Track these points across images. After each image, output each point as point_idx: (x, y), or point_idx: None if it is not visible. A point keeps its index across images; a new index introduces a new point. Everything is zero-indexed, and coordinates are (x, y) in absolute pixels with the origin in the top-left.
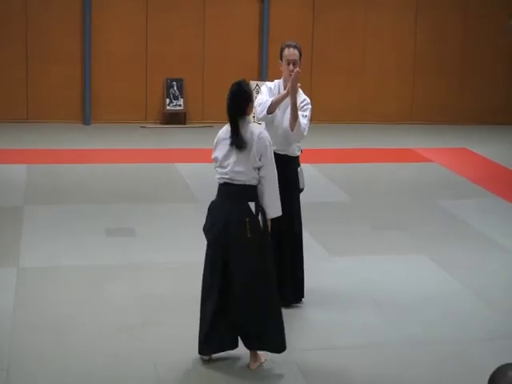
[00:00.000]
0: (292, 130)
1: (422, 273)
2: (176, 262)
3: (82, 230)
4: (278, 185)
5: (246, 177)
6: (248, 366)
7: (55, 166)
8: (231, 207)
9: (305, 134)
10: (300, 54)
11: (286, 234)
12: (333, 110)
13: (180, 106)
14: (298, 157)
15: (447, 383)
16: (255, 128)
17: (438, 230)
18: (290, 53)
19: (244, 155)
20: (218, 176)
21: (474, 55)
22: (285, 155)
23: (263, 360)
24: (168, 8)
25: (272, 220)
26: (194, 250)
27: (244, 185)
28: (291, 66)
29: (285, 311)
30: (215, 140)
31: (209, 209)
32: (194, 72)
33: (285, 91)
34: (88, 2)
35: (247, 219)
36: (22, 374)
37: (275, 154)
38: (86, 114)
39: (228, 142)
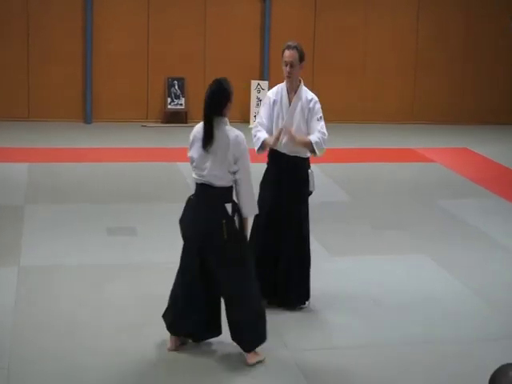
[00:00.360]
0: (319, 153)
1: (422, 273)
2: (177, 262)
3: (82, 229)
4: (252, 185)
5: (222, 181)
6: (246, 362)
7: (56, 165)
8: (208, 209)
9: (326, 135)
10: (300, 56)
11: (294, 237)
12: (334, 109)
13: (181, 105)
14: (308, 158)
15: (448, 383)
16: (231, 131)
17: (438, 229)
18: (287, 54)
19: (219, 159)
20: (195, 176)
21: (476, 55)
22: (296, 157)
23: (262, 357)
24: (169, 7)
25: (281, 222)
26: None
27: (221, 187)
28: (288, 68)
29: (285, 311)
30: (191, 137)
31: (186, 205)
32: (195, 71)
33: (272, 142)
34: (89, 1)
35: (224, 221)
36: (22, 373)
37: (285, 156)
38: (86, 113)
39: (201, 141)
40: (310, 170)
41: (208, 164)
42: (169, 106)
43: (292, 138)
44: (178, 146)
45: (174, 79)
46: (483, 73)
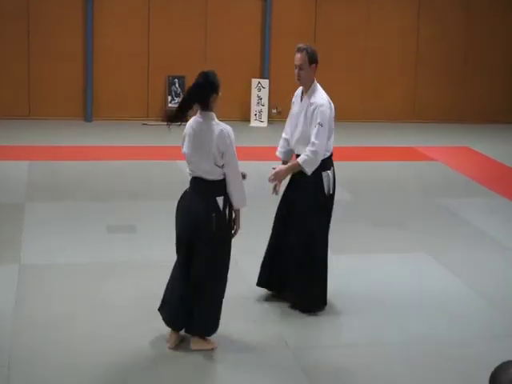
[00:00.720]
0: (308, 171)
1: (424, 271)
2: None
3: (83, 227)
4: (241, 178)
5: (211, 175)
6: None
7: (57, 163)
8: (199, 202)
9: (316, 145)
10: (310, 58)
11: (300, 239)
12: (335, 107)
13: None
14: (322, 160)
15: (448, 382)
16: (217, 125)
17: (440, 228)
18: (295, 57)
19: (205, 154)
20: (188, 171)
21: (477, 53)
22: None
23: (210, 347)
24: (170, 5)
25: (288, 222)
26: None
27: (212, 180)
28: (297, 71)
29: (286, 309)
30: (183, 133)
31: (181, 198)
32: (195, 69)
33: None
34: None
35: (213, 214)
36: (22, 371)
37: (297, 157)
38: (87, 111)
39: (191, 137)
40: (324, 173)
41: (196, 159)
42: (169, 105)
43: (279, 177)
44: (178, 145)
45: (174, 77)
46: (484, 71)
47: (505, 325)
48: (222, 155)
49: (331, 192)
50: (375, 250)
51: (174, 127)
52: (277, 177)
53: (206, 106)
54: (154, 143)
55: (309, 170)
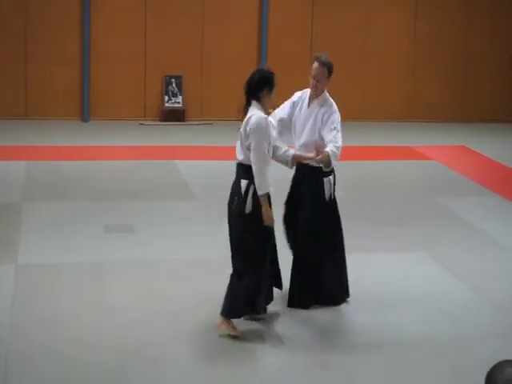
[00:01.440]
0: (334, 161)
1: (422, 271)
2: (175, 259)
3: (80, 227)
4: (262, 166)
5: (241, 156)
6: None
7: (54, 163)
8: (234, 184)
9: (339, 144)
10: (329, 71)
11: (297, 239)
12: None
13: (179, 103)
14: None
15: (448, 382)
16: (254, 112)
17: (438, 227)
18: (314, 67)
19: (240, 135)
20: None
21: (477, 52)
22: (307, 164)
23: (234, 333)
24: (167, 5)
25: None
26: (192, 247)
27: (242, 164)
28: (314, 82)
29: (285, 309)
30: None
31: None
32: (192, 69)
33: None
34: None
35: (236, 196)
36: (20, 370)
37: (300, 163)
38: (84, 111)
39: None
40: (326, 179)
41: (238, 141)
42: (166, 104)
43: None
44: (175, 144)
45: (171, 77)
46: (484, 71)
47: (505, 324)
48: (247, 137)
49: (332, 197)
50: (373, 249)
51: (171, 127)
52: (320, 148)
53: (257, 98)
54: (151, 143)
55: (333, 163)
